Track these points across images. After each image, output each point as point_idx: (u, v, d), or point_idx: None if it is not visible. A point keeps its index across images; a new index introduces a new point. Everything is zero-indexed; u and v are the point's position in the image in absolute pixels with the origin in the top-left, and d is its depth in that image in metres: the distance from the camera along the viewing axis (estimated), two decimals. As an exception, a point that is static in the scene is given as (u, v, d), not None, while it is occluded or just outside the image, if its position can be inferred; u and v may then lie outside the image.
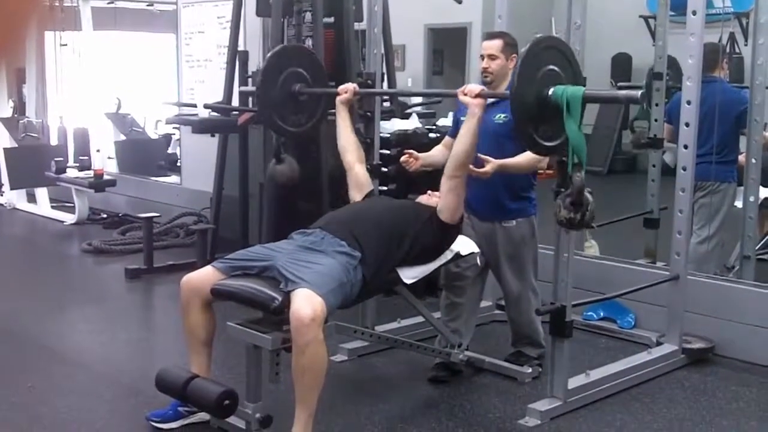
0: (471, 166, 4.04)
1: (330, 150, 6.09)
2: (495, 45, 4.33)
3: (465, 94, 3.79)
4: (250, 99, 6.48)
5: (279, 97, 4.36)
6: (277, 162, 4.63)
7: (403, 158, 4.40)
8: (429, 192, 4.14)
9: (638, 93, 3.40)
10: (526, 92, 3.42)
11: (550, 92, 3.45)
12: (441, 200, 3.89)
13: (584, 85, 3.69)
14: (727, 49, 7.13)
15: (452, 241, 4.00)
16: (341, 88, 4.32)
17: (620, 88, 9.92)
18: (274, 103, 4.36)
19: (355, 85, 4.35)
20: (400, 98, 7.02)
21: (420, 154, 4.43)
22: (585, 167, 3.50)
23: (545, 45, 3.54)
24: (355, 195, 4.25)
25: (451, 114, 5.89)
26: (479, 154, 4.05)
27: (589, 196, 3.55)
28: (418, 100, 7.89)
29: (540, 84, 3.44)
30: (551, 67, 3.48)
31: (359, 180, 4.27)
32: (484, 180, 4.09)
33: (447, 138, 4.65)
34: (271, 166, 4.83)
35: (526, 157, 4.08)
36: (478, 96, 3.76)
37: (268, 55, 4.47)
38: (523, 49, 3.49)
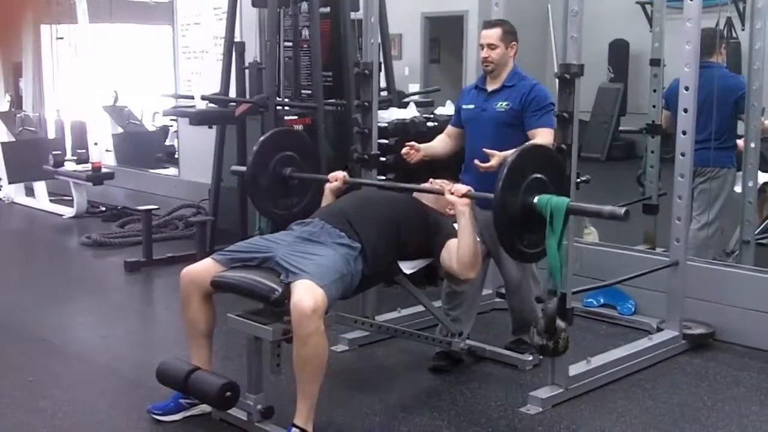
0: (477, 162, 4.04)
1: (328, 141, 6.10)
2: (494, 34, 4.32)
3: (452, 193, 3.77)
4: (248, 88, 6.48)
5: (269, 181, 4.38)
6: None
7: (404, 150, 4.40)
8: (431, 180, 4.12)
9: (622, 210, 3.38)
10: (510, 202, 3.44)
11: (535, 200, 3.45)
12: (457, 267, 3.83)
13: (582, 74, 3.67)
14: (725, 34, 7.12)
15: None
16: (331, 176, 4.30)
17: (617, 72, 9.94)
18: (266, 188, 4.38)
19: (345, 174, 4.32)
20: (398, 87, 7.00)
21: (421, 146, 4.42)
22: (559, 288, 3.55)
23: (534, 153, 3.59)
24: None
25: (449, 102, 5.90)
26: (484, 149, 4.05)
27: (561, 323, 3.55)
28: (416, 88, 7.89)
29: (525, 193, 3.46)
30: (538, 175, 3.48)
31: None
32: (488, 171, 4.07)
33: (450, 127, 4.64)
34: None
35: None
36: (464, 196, 3.75)
37: (261, 139, 4.46)
38: (510, 158, 3.49)
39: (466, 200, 3.73)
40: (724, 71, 5.63)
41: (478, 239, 4.20)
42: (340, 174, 4.30)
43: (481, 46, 4.36)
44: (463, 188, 3.77)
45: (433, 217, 3.97)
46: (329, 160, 5.93)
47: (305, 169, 4.49)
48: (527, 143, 3.80)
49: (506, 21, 4.50)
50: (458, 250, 3.76)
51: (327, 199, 4.27)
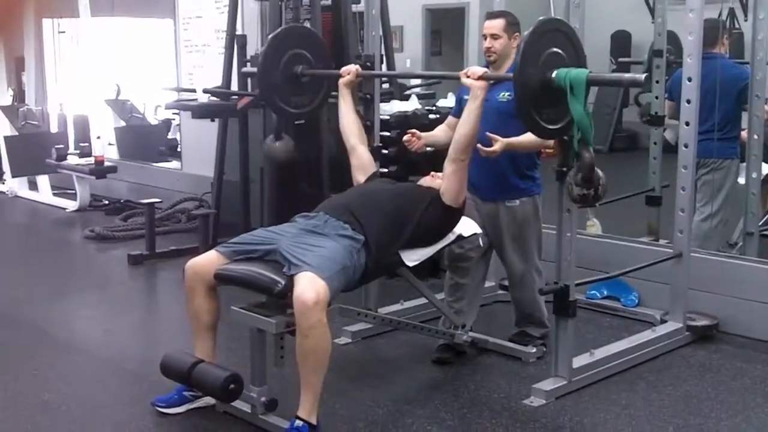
0: (479, 146, 4.03)
1: (330, 133, 6.09)
2: (497, 24, 4.31)
3: (468, 76, 3.77)
4: (249, 81, 6.47)
5: (281, 78, 4.35)
6: (276, 138, 4.61)
7: (405, 137, 4.39)
8: (432, 173, 4.12)
9: (641, 76, 3.39)
10: (529, 75, 3.41)
11: (553, 75, 3.44)
12: (444, 183, 3.87)
13: (585, 65, 3.68)
14: (727, 25, 7.10)
15: (455, 224, 3.99)
16: (344, 69, 4.31)
17: (621, 62, 9.91)
18: (276, 84, 4.35)
19: (357, 66, 4.33)
20: (399, 80, 7.00)
21: (422, 134, 4.42)
22: (592, 145, 3.50)
23: (548, 27, 3.53)
24: (359, 177, 4.24)
25: (451, 94, 5.89)
26: (487, 133, 4.04)
27: (599, 171, 3.55)
28: (417, 81, 7.87)
29: (543, 67, 3.43)
30: (554, 49, 3.47)
31: (362, 162, 4.26)
32: (490, 159, 4.08)
33: (450, 117, 4.63)
34: (267, 141, 4.81)
35: (532, 136, 4.06)
36: (480, 78, 3.74)
37: (270, 36, 4.45)
38: (526, 32, 3.47)
39: (482, 82, 3.75)
40: (727, 61, 5.62)
41: (480, 231, 4.21)
42: (353, 67, 4.32)
43: (484, 37, 4.35)
44: (479, 70, 3.79)
45: (434, 195, 3.96)
46: (332, 151, 5.93)
47: (317, 67, 4.47)
48: (541, 18, 3.77)
49: (509, 12, 4.49)
50: (459, 129, 3.81)
51: (343, 96, 4.28)
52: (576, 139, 3.51)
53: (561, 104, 3.44)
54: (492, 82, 4.25)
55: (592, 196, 3.61)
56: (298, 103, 4.46)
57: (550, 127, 3.54)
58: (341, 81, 4.29)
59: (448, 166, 3.84)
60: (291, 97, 4.43)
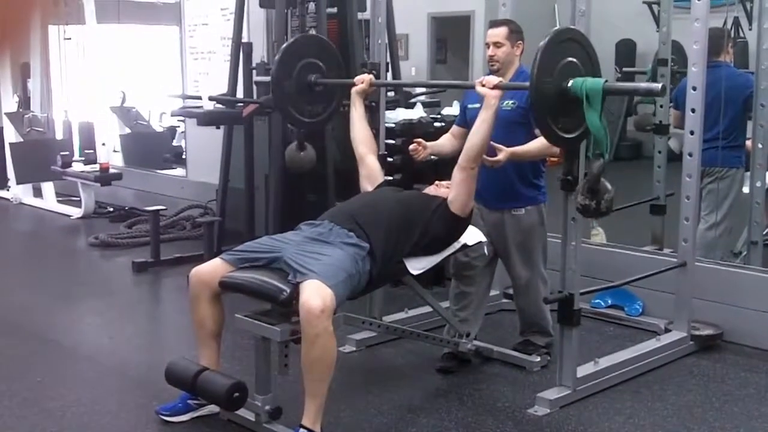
0: (484, 156, 4.03)
1: (335, 141, 6.10)
2: (500, 32, 4.32)
3: (483, 85, 3.77)
4: (255, 88, 6.48)
5: (294, 87, 4.36)
6: (300, 149, 4.62)
7: (411, 146, 4.40)
8: (437, 182, 4.13)
9: (658, 85, 3.39)
10: (545, 85, 3.41)
11: (569, 84, 3.44)
12: (452, 191, 3.87)
13: (600, 75, 3.69)
14: (732, 34, 7.11)
15: (461, 233, 3.98)
16: (357, 78, 4.32)
17: (626, 72, 9.92)
18: (290, 94, 4.36)
19: (371, 76, 4.34)
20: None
21: (428, 143, 4.42)
22: (606, 157, 3.50)
23: (564, 37, 3.54)
24: (366, 186, 4.24)
25: (456, 103, 5.89)
26: (492, 142, 4.05)
27: (607, 184, 3.54)
28: (423, 89, 7.87)
29: (559, 77, 3.44)
30: (570, 59, 3.48)
31: (371, 171, 4.27)
32: (495, 168, 4.08)
33: (455, 127, 4.63)
34: (291, 151, 4.81)
35: (537, 144, 4.08)
36: (495, 87, 3.75)
37: (284, 45, 4.46)
38: (542, 42, 3.47)
39: (496, 92, 3.74)
40: (732, 70, 5.63)
41: (485, 240, 4.21)
42: (366, 76, 4.32)
43: (487, 45, 4.36)
44: (494, 80, 3.79)
45: (439, 203, 3.96)
46: (336, 159, 5.93)
47: (330, 76, 4.48)
48: (557, 27, 3.77)
49: (512, 20, 4.50)
50: (471, 138, 3.80)
51: (355, 105, 4.29)
52: (590, 149, 3.51)
53: (577, 113, 3.45)
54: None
55: (593, 209, 3.60)
56: (312, 112, 4.47)
57: (567, 136, 3.55)
58: (354, 89, 4.30)
59: (457, 174, 3.84)
60: (305, 106, 4.44)
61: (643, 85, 3.53)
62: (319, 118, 4.50)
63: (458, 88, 4.04)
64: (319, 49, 4.51)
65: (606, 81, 3.45)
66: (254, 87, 6.48)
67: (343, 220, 3.77)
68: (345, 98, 4.42)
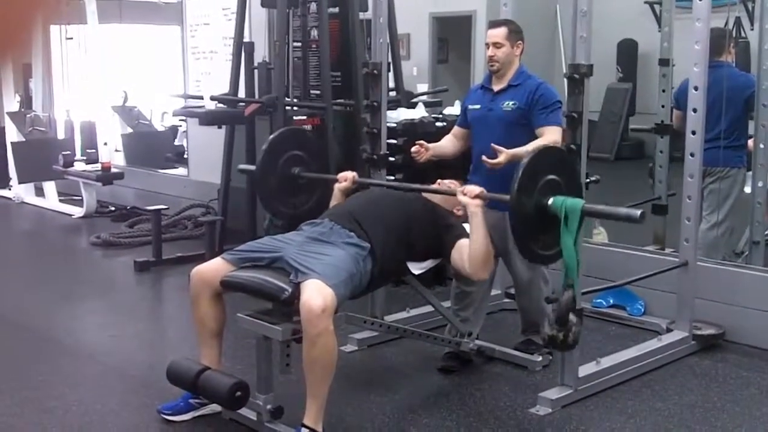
0: (484, 157, 4.04)
1: (336, 140, 6.11)
2: (500, 33, 4.32)
3: (465, 194, 3.76)
4: (257, 87, 6.48)
5: (278, 180, 4.38)
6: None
7: (413, 149, 4.40)
8: (438, 181, 4.13)
9: (638, 212, 3.39)
10: (525, 202, 3.43)
11: (549, 202, 3.45)
12: (469, 268, 3.82)
13: (591, 74, 3.69)
14: (734, 34, 7.10)
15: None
16: (341, 176, 4.31)
17: (627, 72, 9.92)
18: (274, 186, 4.39)
19: (354, 174, 4.32)
20: (406, 87, 7.00)
21: (429, 145, 4.42)
22: (576, 285, 3.54)
23: (547, 153, 3.58)
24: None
25: (458, 102, 5.90)
26: (492, 144, 4.05)
27: (574, 318, 3.55)
28: (424, 89, 7.88)
29: (540, 193, 3.45)
30: (552, 176, 3.48)
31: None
32: (496, 169, 4.08)
33: (456, 128, 4.64)
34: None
35: (536, 146, 4.07)
36: (477, 197, 3.73)
37: (270, 138, 4.48)
38: (524, 159, 3.49)
39: (478, 201, 3.72)
40: (733, 70, 5.62)
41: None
42: (350, 174, 4.30)
43: (487, 45, 4.37)
44: (475, 189, 3.76)
45: (443, 217, 3.97)
46: (338, 160, 5.93)
47: (313, 169, 4.49)
48: (540, 144, 3.79)
49: (512, 21, 4.51)
50: (470, 251, 3.75)
51: (336, 198, 4.27)
52: (562, 277, 3.53)
53: (556, 230, 3.46)
54: (498, 88, 4.27)
55: (560, 341, 3.61)
56: (295, 203, 4.48)
57: (545, 253, 3.58)
58: (337, 186, 4.29)
59: (474, 277, 3.86)
60: (288, 198, 4.45)
61: (623, 210, 3.50)
62: (300, 210, 4.47)
63: (439, 193, 4.05)
64: (303, 142, 4.53)
65: (584, 203, 3.46)
66: (256, 87, 6.49)
67: (343, 220, 3.78)
68: (328, 190, 4.38)
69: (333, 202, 4.26)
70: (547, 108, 4.23)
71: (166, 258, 6.63)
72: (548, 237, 3.50)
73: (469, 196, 3.74)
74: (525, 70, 4.40)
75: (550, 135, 4.13)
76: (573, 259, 3.46)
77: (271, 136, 4.49)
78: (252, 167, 4.47)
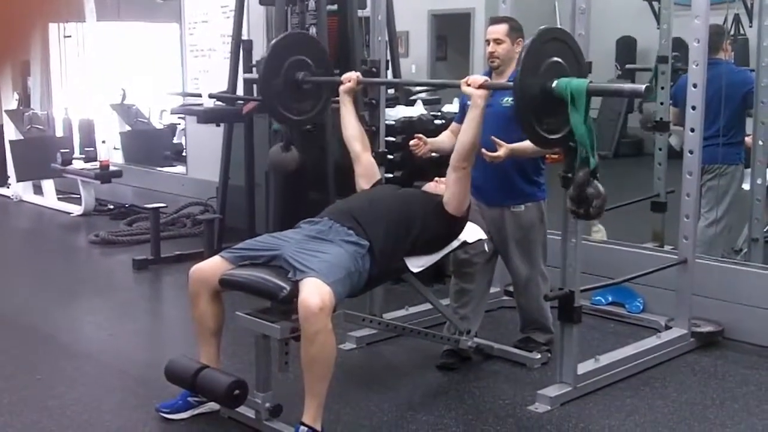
0: (484, 150, 4.02)
1: (336, 138, 6.09)
2: (500, 29, 4.32)
3: (468, 85, 3.77)
4: (255, 85, 6.47)
5: (282, 85, 4.35)
6: (285, 149, 4.61)
7: (412, 142, 4.40)
8: (436, 179, 4.13)
9: (642, 87, 3.40)
10: (529, 84, 3.41)
11: (553, 85, 3.44)
12: (447, 192, 3.86)
13: (590, 71, 3.68)
14: (732, 31, 7.10)
15: (460, 231, 3.98)
16: (345, 76, 4.30)
17: (627, 69, 9.92)
18: (277, 91, 4.35)
19: (358, 74, 4.32)
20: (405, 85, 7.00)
21: (428, 139, 4.42)
22: (594, 158, 3.50)
23: (549, 36, 3.53)
24: (363, 184, 4.23)
25: (456, 100, 5.89)
26: (492, 137, 4.04)
27: (593, 190, 3.54)
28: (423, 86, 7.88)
29: (544, 76, 3.44)
30: (555, 59, 3.47)
31: (367, 170, 4.26)
32: (495, 164, 4.08)
33: (454, 124, 4.63)
34: (275, 151, 4.79)
35: None
36: (481, 87, 3.74)
37: (272, 42, 4.45)
38: (527, 41, 3.48)
39: (482, 91, 3.74)
40: (731, 66, 5.63)
41: (485, 236, 4.21)
42: (354, 74, 4.29)
43: (487, 42, 4.36)
44: (480, 79, 3.78)
45: (441, 207, 3.95)
46: (336, 157, 5.92)
47: (318, 74, 4.47)
48: (542, 27, 3.77)
49: (513, 18, 4.50)
50: (460, 137, 3.79)
51: (344, 103, 4.27)
52: (579, 154, 3.51)
53: (562, 114, 3.44)
54: (497, 95, 4.27)
55: (582, 215, 3.61)
56: (300, 109, 4.46)
57: (551, 137, 3.54)
58: (342, 88, 4.28)
59: (450, 174, 3.84)
60: (292, 104, 4.43)
61: (628, 86, 3.52)
62: (307, 116, 4.48)
63: (445, 87, 4.04)
64: (307, 47, 4.51)
65: (590, 82, 3.45)
66: (254, 85, 6.48)
67: (342, 218, 3.77)
68: (334, 95, 4.39)
69: (342, 108, 4.26)
70: None
71: (164, 256, 6.62)
72: (554, 120, 3.48)
73: (473, 86, 3.75)
74: None
75: None
76: (585, 135, 3.44)
77: (274, 41, 4.47)
78: (256, 75, 4.43)
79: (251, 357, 3.76)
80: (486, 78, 3.84)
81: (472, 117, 3.75)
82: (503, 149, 4.03)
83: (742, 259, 5.41)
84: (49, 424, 3.76)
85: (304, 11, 6.15)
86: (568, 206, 3.64)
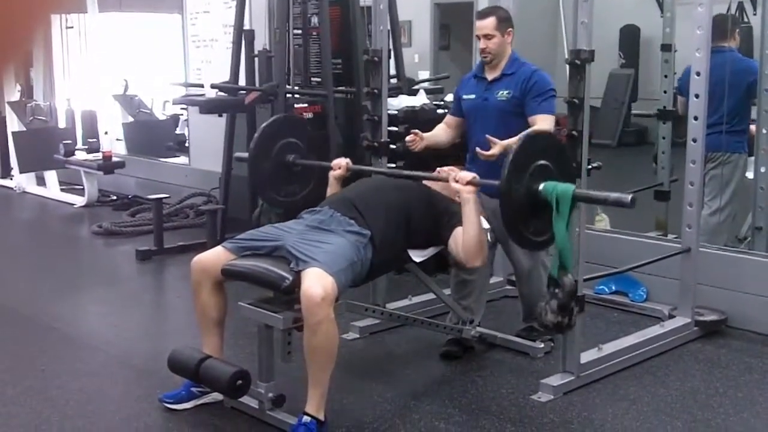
0: (478, 149, 4.02)
1: (338, 129, 6.09)
2: (489, 24, 4.29)
3: (456, 181, 3.73)
4: (258, 76, 6.47)
5: (273, 167, 4.34)
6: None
7: (408, 138, 4.39)
8: (438, 169, 4.11)
9: (628, 197, 3.38)
10: (516, 189, 3.40)
11: (540, 188, 3.42)
12: (460, 251, 3.79)
13: (592, 60, 3.65)
14: (737, 19, 7.07)
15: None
16: (334, 163, 4.26)
17: (630, 57, 9.88)
18: (267, 174, 4.35)
19: (348, 160, 4.27)
20: (407, 74, 6.98)
21: (424, 135, 4.41)
22: (571, 271, 3.49)
23: (537, 140, 3.56)
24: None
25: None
26: (486, 135, 4.03)
27: (573, 303, 3.53)
28: (426, 76, 7.87)
29: (530, 180, 3.42)
30: (542, 162, 3.45)
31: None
32: (491, 160, 4.06)
33: (449, 116, 4.63)
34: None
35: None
36: (469, 183, 3.70)
37: (262, 126, 4.44)
38: (515, 146, 3.46)
39: (470, 188, 3.69)
40: (736, 55, 5.60)
41: (488, 227, 4.20)
42: (343, 161, 4.26)
43: (478, 37, 4.34)
44: (467, 176, 3.73)
45: (442, 204, 3.95)
46: (339, 147, 5.92)
47: (309, 157, 4.47)
48: (529, 130, 3.76)
49: (499, 7, 4.47)
50: (463, 238, 3.73)
51: (332, 187, 4.24)
52: (555, 266, 3.49)
53: (548, 216, 3.44)
54: (492, 77, 4.25)
55: (566, 325, 3.58)
56: (290, 191, 4.44)
57: (538, 239, 3.55)
58: (332, 174, 4.24)
59: (468, 264, 3.81)
60: (282, 186, 4.41)
61: (613, 195, 3.47)
62: (295, 198, 4.44)
63: (430, 180, 4.01)
64: (297, 129, 4.50)
65: (576, 188, 3.44)
66: (256, 75, 6.48)
67: (344, 208, 3.77)
68: (323, 179, 4.33)
69: (329, 191, 4.23)
70: (541, 96, 4.21)
71: (167, 247, 6.63)
72: (539, 222, 3.48)
73: (461, 182, 3.71)
74: (517, 57, 4.37)
75: (542, 124, 4.11)
76: (566, 245, 3.44)
77: (263, 125, 4.46)
78: (247, 155, 4.44)
79: (254, 347, 3.76)
80: (474, 175, 3.74)
81: (467, 214, 3.69)
82: (497, 147, 4.02)
83: (746, 248, 5.39)
84: (53, 415, 3.77)
85: (305, 1, 6.14)
86: (549, 320, 3.53)
